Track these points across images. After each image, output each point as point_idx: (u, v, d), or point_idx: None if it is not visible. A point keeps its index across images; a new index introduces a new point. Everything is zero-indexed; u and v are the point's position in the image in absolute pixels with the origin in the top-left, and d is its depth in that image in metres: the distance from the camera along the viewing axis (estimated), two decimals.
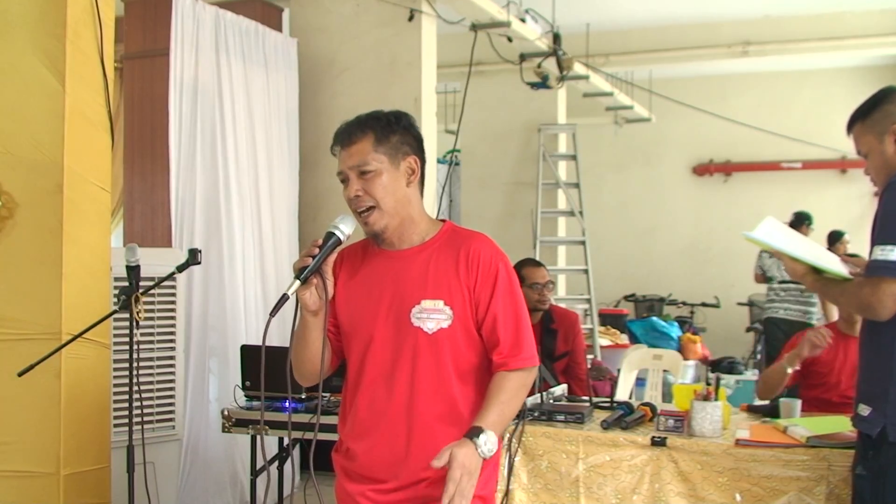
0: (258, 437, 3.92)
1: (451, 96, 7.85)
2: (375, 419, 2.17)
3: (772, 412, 3.44)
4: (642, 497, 3.06)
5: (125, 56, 5.11)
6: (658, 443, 3.06)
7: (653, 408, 3.32)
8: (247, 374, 4.01)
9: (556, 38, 6.95)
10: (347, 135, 2.17)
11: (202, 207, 4.79)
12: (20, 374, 3.02)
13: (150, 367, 4.24)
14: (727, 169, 10.91)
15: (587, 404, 3.52)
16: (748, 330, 9.67)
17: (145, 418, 3.92)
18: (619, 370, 5.27)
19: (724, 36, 8.47)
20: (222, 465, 4.80)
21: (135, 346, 3.13)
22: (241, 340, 4.70)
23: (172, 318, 4.37)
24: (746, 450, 2.96)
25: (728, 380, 7.92)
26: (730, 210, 10.59)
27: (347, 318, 2.22)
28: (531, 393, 3.33)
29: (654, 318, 8.75)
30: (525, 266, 4.33)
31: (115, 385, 3.92)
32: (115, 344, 3.82)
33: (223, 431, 3.98)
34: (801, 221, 7.91)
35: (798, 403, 3.38)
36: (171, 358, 4.37)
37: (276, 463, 4.22)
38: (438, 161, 7.16)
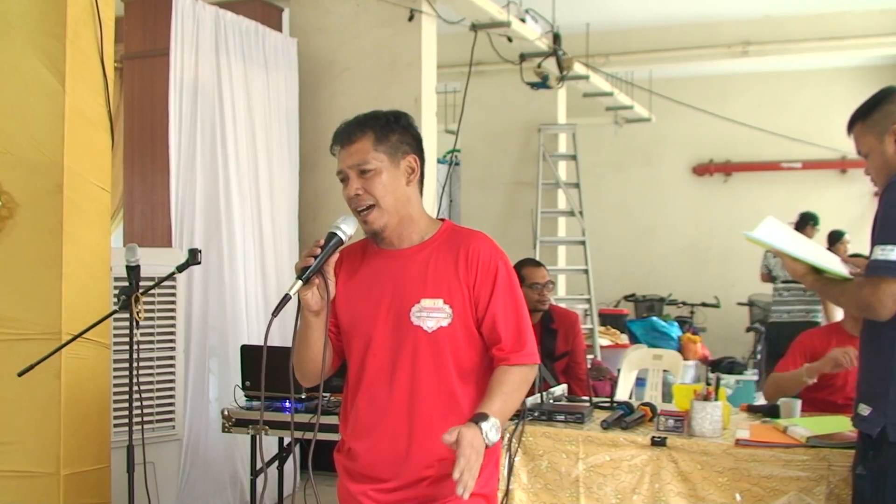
0: (258, 437, 3.92)
1: (451, 96, 7.85)
2: (376, 419, 2.18)
3: (772, 412, 3.44)
4: (642, 497, 3.06)
5: (125, 56, 5.11)
6: (658, 443, 3.06)
7: (653, 408, 3.32)
8: (247, 374, 4.01)
9: (556, 38, 6.95)
10: (347, 134, 2.17)
11: (202, 207, 4.79)
12: (20, 374, 3.02)
13: (150, 367, 4.24)
14: (727, 169, 10.91)
15: (587, 404, 3.52)
16: (748, 330, 9.67)
17: (145, 418, 3.92)
18: (619, 370, 5.27)
19: (724, 36, 8.46)
20: (222, 465, 4.80)
21: (135, 346, 3.13)
22: (241, 340, 4.70)
23: (172, 318, 4.37)
24: (746, 450, 2.96)
25: (728, 380, 7.92)
26: (730, 210, 10.59)
27: (347, 318, 2.22)
28: (531, 393, 3.33)
29: (654, 318, 8.74)
30: (525, 266, 4.33)
31: (115, 385, 3.92)
32: (115, 344, 3.82)
33: (223, 431, 3.98)
34: (805, 222, 7.92)
35: (798, 403, 3.38)
36: (171, 358, 4.37)
37: (275, 464, 4.22)
38: (438, 161, 7.16)
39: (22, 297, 3.39)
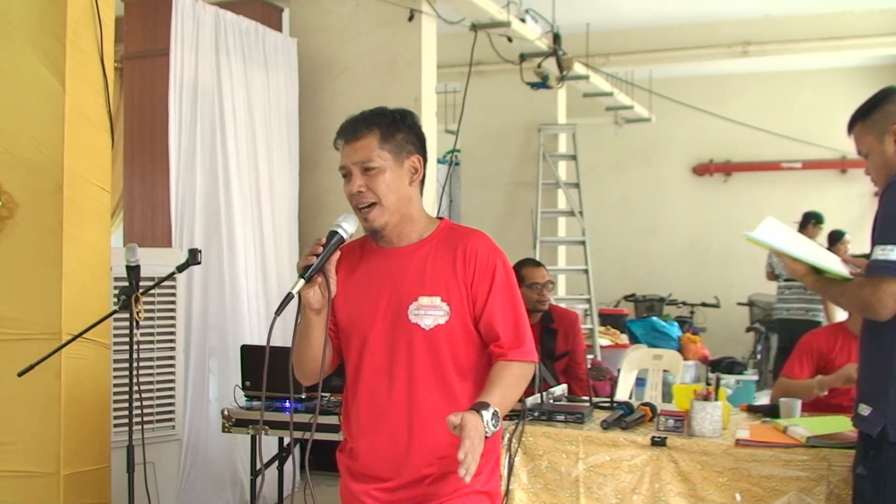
0: (258, 437, 3.92)
1: (451, 96, 7.85)
2: (376, 418, 2.18)
3: (772, 412, 3.43)
4: (642, 497, 3.06)
5: (125, 56, 5.11)
6: (658, 443, 3.06)
7: (653, 408, 3.32)
8: (247, 374, 4.01)
9: (556, 38, 6.95)
10: (353, 130, 2.17)
11: (202, 207, 4.79)
12: (20, 374, 3.02)
13: (150, 367, 4.24)
14: (727, 169, 10.91)
15: (587, 404, 3.52)
16: (748, 330, 9.67)
17: (145, 418, 3.92)
18: (619, 370, 5.27)
19: (724, 36, 8.46)
20: (222, 465, 4.80)
21: (135, 346, 3.13)
22: (241, 340, 4.70)
23: (172, 318, 4.37)
24: (746, 450, 2.96)
25: (728, 380, 7.93)
26: (730, 210, 10.58)
27: (346, 316, 2.22)
28: (531, 393, 3.33)
29: (654, 318, 8.74)
30: (525, 266, 4.33)
31: (115, 385, 3.92)
32: (115, 344, 3.82)
33: (223, 431, 3.97)
34: (807, 221, 7.96)
35: (798, 403, 3.38)
36: (171, 358, 4.37)
37: (274, 464, 4.22)
38: (438, 161, 7.16)
39: (22, 297, 3.39)
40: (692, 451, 3.01)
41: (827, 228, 8.08)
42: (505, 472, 3.08)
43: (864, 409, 2.44)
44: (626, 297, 10.21)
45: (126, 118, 5.15)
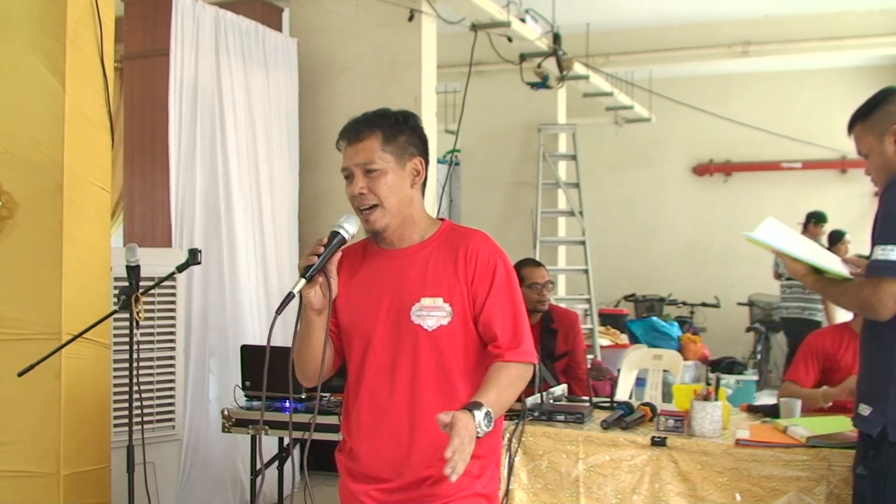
0: (258, 437, 3.92)
1: (451, 96, 7.85)
2: (377, 418, 2.17)
3: (772, 412, 3.44)
4: (642, 497, 3.06)
5: (125, 56, 5.11)
6: (658, 443, 3.06)
7: (653, 408, 3.32)
8: (247, 374, 4.01)
9: (556, 38, 6.95)
10: (355, 131, 2.16)
11: (202, 207, 4.79)
12: (20, 374, 3.02)
13: (150, 367, 4.25)
14: (727, 169, 10.90)
15: (587, 404, 3.52)
16: (748, 330, 9.67)
17: (145, 418, 3.92)
18: (619, 370, 5.27)
19: (724, 36, 8.46)
20: (222, 465, 4.80)
21: (135, 346, 3.13)
22: (241, 340, 4.70)
23: (172, 318, 4.37)
24: (746, 450, 2.96)
25: (728, 380, 7.93)
26: (730, 210, 10.58)
27: (348, 318, 2.22)
28: (531, 393, 3.33)
29: (654, 318, 8.75)
30: (525, 266, 4.33)
31: (115, 385, 3.93)
32: (115, 344, 3.82)
33: (223, 431, 3.98)
34: (808, 220, 7.98)
35: (798, 403, 3.38)
36: (171, 358, 4.37)
37: (274, 464, 4.22)
38: (438, 161, 7.16)
39: (22, 297, 3.39)
40: (692, 451, 3.02)
41: (827, 229, 8.09)
42: (505, 472, 3.08)
43: (865, 409, 2.44)
44: (626, 297, 10.21)
45: (126, 118, 5.15)
